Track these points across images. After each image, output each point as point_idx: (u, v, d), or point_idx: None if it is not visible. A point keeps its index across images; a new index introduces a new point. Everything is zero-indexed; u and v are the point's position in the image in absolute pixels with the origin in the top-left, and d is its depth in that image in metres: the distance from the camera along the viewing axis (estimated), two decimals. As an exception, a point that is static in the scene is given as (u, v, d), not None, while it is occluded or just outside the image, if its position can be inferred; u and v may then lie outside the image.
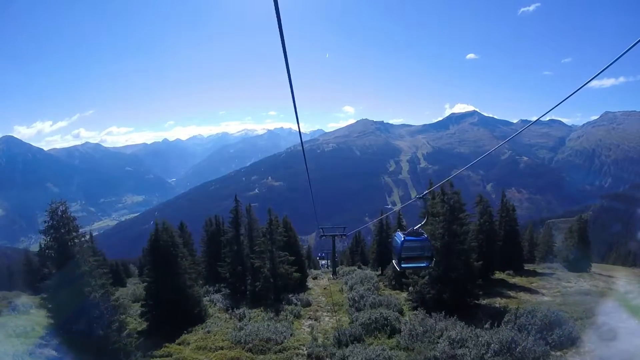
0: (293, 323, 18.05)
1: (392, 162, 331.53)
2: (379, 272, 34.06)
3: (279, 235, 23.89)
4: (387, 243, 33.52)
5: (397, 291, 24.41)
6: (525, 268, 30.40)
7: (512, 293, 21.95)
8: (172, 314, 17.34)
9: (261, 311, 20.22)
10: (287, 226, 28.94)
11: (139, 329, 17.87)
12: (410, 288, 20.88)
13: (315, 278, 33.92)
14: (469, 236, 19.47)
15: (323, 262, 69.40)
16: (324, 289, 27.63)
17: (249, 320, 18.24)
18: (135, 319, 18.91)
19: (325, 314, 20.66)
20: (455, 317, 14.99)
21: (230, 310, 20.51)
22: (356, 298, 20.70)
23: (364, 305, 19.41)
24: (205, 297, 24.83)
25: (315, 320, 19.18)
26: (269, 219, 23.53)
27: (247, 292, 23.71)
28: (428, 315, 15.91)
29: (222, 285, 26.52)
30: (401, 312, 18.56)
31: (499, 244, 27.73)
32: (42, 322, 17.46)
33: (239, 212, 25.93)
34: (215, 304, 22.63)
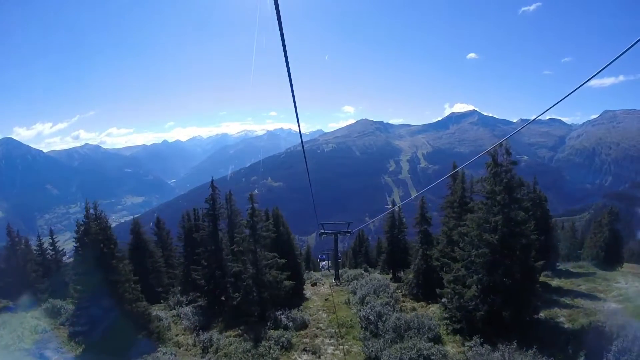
0: None
1: (392, 162, 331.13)
2: (390, 276, 30.11)
3: (264, 230, 19.14)
4: (399, 241, 29.89)
5: (422, 303, 20.08)
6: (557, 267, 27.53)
7: (567, 300, 17.88)
8: (109, 339, 13.21)
9: (238, 335, 15.79)
10: (277, 220, 23.90)
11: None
12: (443, 300, 16.29)
13: (314, 284, 29.08)
14: (529, 226, 14.06)
15: (323, 263, 67.64)
16: (325, 300, 22.73)
17: (216, 353, 14.02)
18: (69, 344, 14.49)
19: (327, 340, 15.53)
20: (515, 345, 10.92)
21: (196, 333, 16.21)
22: (372, 317, 15.79)
23: (385, 328, 14.50)
24: (172, 310, 21.20)
25: (314, 353, 14.15)
26: (251, 207, 18.51)
27: (226, 306, 19.64)
28: (486, 344, 11.65)
29: (197, 294, 21.86)
30: (439, 339, 13.87)
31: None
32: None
33: (216, 202, 20.92)
34: (182, 321, 18.64)
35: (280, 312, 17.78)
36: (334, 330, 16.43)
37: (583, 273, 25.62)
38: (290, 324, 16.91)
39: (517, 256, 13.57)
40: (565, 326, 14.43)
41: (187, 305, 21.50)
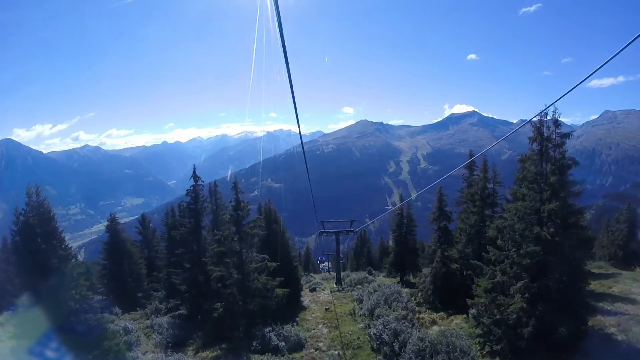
0: None
1: (392, 162, 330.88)
2: (398, 280, 27.41)
3: (252, 226, 16.34)
4: (408, 241, 27.08)
5: (442, 314, 17.00)
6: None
7: (606, 305, 15.26)
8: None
9: (215, 358, 13.57)
10: (270, 216, 21.17)
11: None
12: (472, 311, 13.93)
13: (313, 289, 26.01)
14: (582, 217, 11.81)
15: (324, 265, 66.30)
16: (326, 310, 19.70)
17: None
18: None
19: None
20: None
21: (165, 353, 13.59)
22: (386, 336, 13.06)
23: (403, 350, 11.90)
24: (149, 319, 18.25)
25: None
26: (234, 198, 15.88)
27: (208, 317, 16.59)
28: None
29: (177, 302, 19.00)
30: None
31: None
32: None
33: (199, 195, 18.08)
34: (156, 334, 16.02)
35: (270, 328, 14.76)
36: (337, 353, 13.38)
37: (606, 274, 23.44)
38: (282, 344, 13.87)
39: (570, 255, 11.04)
40: (619, 338, 12.16)
41: (166, 314, 18.74)
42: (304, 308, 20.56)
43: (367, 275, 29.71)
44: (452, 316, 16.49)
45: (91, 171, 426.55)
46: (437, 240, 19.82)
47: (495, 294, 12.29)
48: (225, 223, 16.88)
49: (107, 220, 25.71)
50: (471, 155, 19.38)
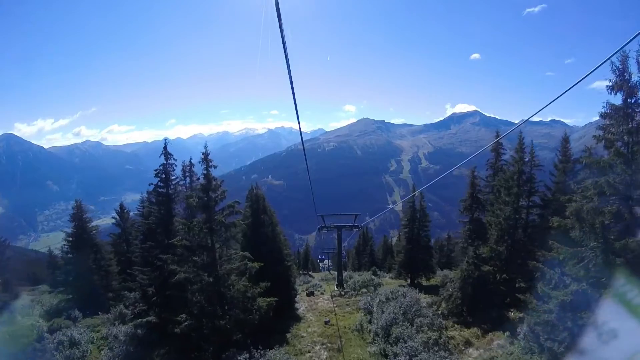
0: None
1: (393, 161, 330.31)
2: (408, 282, 24.66)
3: (226, 213, 12.68)
4: (421, 238, 24.33)
5: (475, 329, 13.57)
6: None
7: None
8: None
9: None
10: (257, 205, 17.66)
11: None
12: (523, 329, 10.71)
13: (311, 293, 22.64)
14: None
15: (324, 263, 64.81)
16: (325, 323, 16.07)
17: None
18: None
19: None
20: None
21: None
22: None
23: None
24: (113, 326, 15.11)
25: None
26: (204, 174, 12.54)
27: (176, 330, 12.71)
28: None
29: (143, 306, 15.65)
30: None
31: None
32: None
33: (169, 177, 15.19)
34: (107, 350, 13.43)
35: (246, 355, 11.18)
36: None
37: None
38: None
39: None
40: None
41: (131, 320, 15.22)
42: (298, 319, 17.19)
43: (372, 276, 26.69)
44: (490, 334, 13.13)
45: (92, 167, 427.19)
46: (467, 236, 16.25)
47: (572, 310, 8.81)
48: (192, 208, 13.20)
49: (73, 208, 22.92)
50: (497, 136, 16.31)
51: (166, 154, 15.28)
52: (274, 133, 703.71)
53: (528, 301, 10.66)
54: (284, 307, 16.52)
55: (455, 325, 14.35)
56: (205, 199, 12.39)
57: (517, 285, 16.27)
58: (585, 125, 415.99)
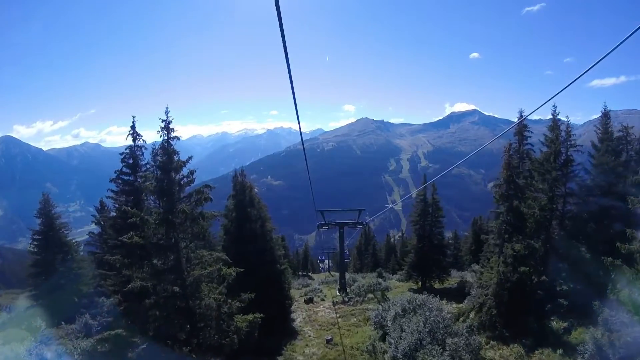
0: None
1: (393, 161, 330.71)
2: (419, 285, 22.65)
3: (193, 201, 10.07)
4: (433, 235, 22.21)
5: (516, 347, 11.01)
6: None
7: None
8: None
9: None
10: (243, 196, 14.79)
11: None
12: (586, 346, 8.55)
13: (309, 300, 20.22)
14: None
15: (324, 264, 63.16)
16: (327, 342, 13.15)
17: None
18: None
19: None
20: None
21: None
22: None
23: None
24: (76, 341, 11.94)
25: None
26: (163, 145, 9.98)
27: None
28: None
29: (110, 318, 13.55)
30: None
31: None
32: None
33: (138, 163, 13.19)
34: None
35: None
36: None
37: None
38: None
39: None
40: None
41: (98, 333, 12.55)
42: (293, 333, 14.25)
43: (379, 279, 24.10)
44: (537, 352, 10.57)
45: (91, 168, 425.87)
46: (503, 230, 13.17)
47: None
48: (147, 192, 10.46)
49: (40, 202, 20.56)
50: (521, 117, 14.52)
51: (134, 135, 12.54)
52: (273, 133, 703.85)
53: (597, 310, 8.52)
54: (277, 320, 13.76)
55: (491, 342, 11.59)
56: (166, 181, 9.33)
57: (558, 288, 14.07)
58: (585, 123, 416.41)
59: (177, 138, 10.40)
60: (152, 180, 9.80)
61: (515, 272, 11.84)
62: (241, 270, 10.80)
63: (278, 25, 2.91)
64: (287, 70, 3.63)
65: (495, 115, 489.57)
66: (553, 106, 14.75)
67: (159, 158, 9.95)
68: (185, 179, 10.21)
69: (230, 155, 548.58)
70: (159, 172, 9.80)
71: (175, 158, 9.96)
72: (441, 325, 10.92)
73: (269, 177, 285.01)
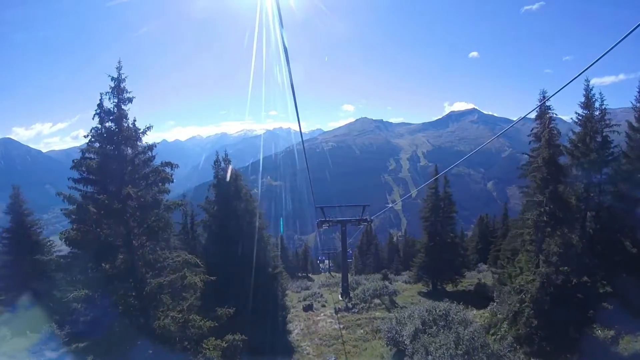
0: None
1: (392, 160, 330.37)
2: (430, 288, 21.12)
3: (151, 181, 8.27)
4: (445, 233, 20.73)
5: None
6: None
7: None
8: None
9: None
10: (228, 186, 12.62)
11: None
12: None
13: (309, 307, 18.31)
14: None
15: (324, 265, 61.40)
16: None
17: None
18: None
19: None
20: None
21: None
22: None
23: None
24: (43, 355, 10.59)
25: None
26: (112, 111, 7.73)
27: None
28: None
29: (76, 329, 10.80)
30: None
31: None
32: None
33: (105, 133, 8.28)
34: None
35: None
36: None
37: None
38: None
39: None
40: None
41: (67, 344, 9.93)
42: (289, 350, 11.91)
43: (385, 282, 21.80)
44: None
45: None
46: (543, 223, 10.82)
47: None
48: (90, 171, 7.66)
49: (10, 197, 19.11)
50: (545, 94, 12.75)
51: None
52: (273, 134, 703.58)
53: None
54: (269, 334, 11.52)
55: (520, 353, 9.84)
56: (116, 152, 7.10)
57: (602, 290, 11.94)
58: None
59: (130, 100, 7.92)
60: (92, 154, 7.32)
61: (559, 274, 9.81)
62: (212, 278, 8.40)
63: (278, 25, 3.13)
64: (287, 70, 3.72)
65: (495, 114, 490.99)
66: (585, 81, 12.79)
67: (106, 125, 7.43)
68: (141, 155, 7.78)
69: (230, 156, 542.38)
70: (106, 145, 7.43)
71: (127, 125, 7.49)
72: (477, 344, 8.48)
73: (269, 177, 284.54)
